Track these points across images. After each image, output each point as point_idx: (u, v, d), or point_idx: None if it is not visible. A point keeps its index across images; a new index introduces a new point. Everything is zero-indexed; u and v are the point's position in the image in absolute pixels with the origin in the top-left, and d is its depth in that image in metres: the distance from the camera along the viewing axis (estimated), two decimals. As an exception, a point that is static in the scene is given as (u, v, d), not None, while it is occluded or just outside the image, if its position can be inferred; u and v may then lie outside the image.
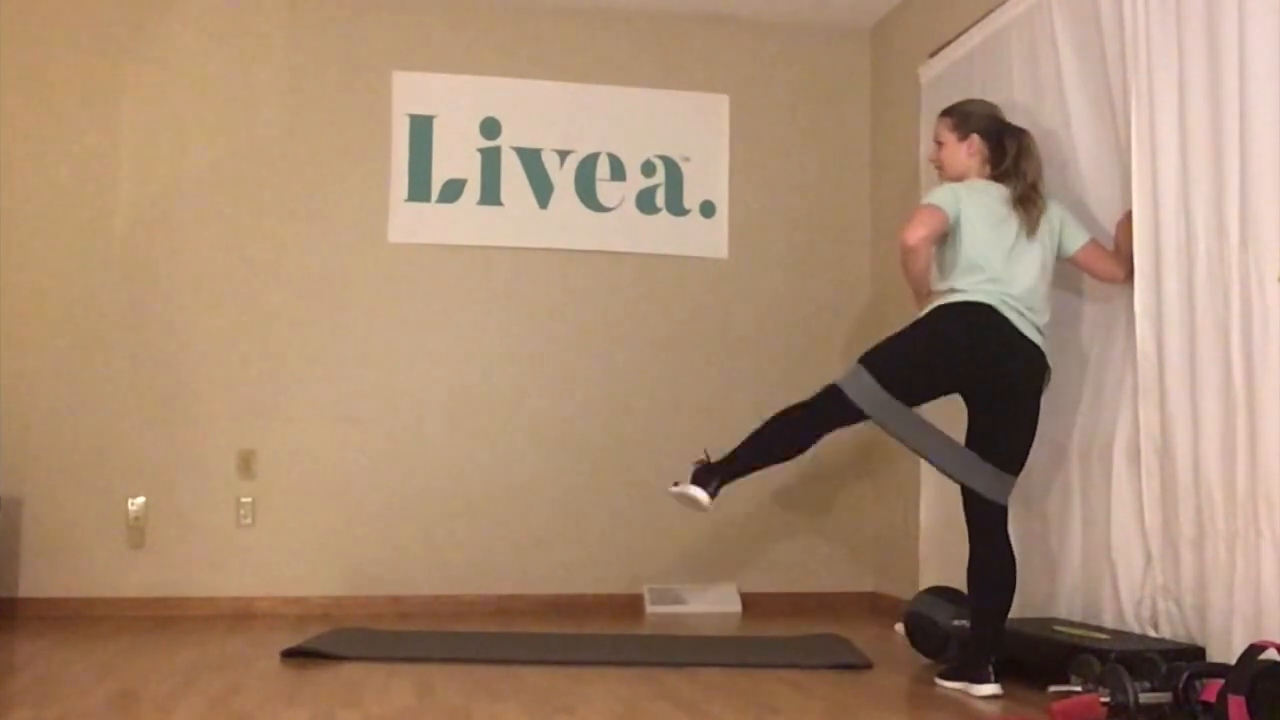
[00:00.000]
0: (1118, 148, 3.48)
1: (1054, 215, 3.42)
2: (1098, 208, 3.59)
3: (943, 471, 3.44)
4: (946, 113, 3.58)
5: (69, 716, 2.79)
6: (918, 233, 3.31)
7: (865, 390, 3.29)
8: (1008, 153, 3.45)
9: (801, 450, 3.41)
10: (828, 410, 3.36)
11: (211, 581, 4.81)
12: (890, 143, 5.25)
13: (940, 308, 3.34)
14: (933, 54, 4.68)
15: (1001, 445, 3.31)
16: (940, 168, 3.55)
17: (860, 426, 5.09)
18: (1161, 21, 3.23)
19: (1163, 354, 3.20)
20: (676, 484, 3.44)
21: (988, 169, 3.47)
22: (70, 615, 4.65)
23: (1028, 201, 3.38)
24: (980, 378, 3.29)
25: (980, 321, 3.27)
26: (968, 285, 3.31)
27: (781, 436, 3.40)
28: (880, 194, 5.36)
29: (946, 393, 3.40)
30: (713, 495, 3.39)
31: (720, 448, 3.49)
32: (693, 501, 3.40)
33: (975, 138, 3.49)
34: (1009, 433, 3.31)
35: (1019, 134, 3.49)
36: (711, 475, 3.43)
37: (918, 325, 3.37)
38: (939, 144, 3.55)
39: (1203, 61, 3.09)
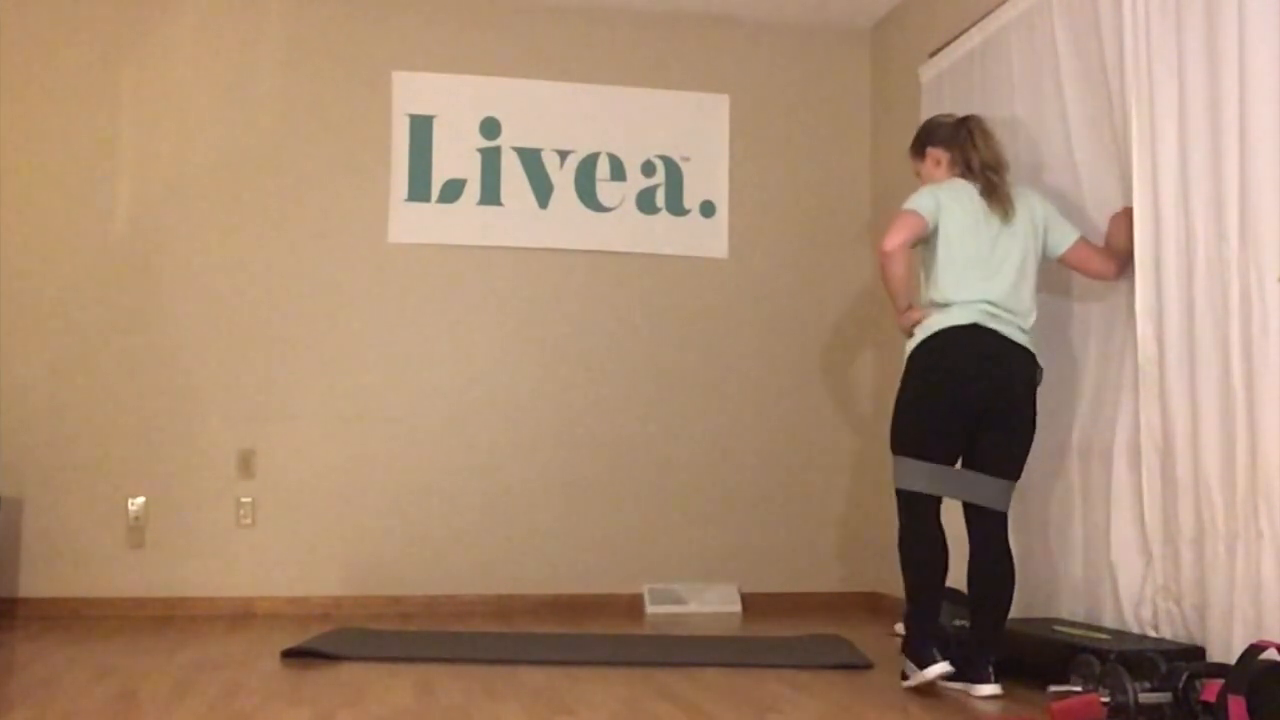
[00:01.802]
0: (1117, 148, 3.48)
1: (1038, 212, 3.41)
2: (1097, 207, 3.58)
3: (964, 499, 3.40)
4: (909, 151, 3.65)
5: (69, 716, 2.79)
6: (895, 239, 3.32)
7: (913, 474, 3.30)
8: (961, 141, 3.46)
9: (933, 555, 3.30)
10: (910, 513, 3.33)
11: (211, 581, 4.81)
12: (890, 143, 5.25)
13: (914, 353, 3.34)
14: (933, 54, 4.68)
15: (1002, 455, 3.31)
16: None
17: (851, 430, 5.09)
18: (1161, 22, 3.22)
19: (1163, 354, 3.20)
20: (906, 677, 3.28)
21: (958, 169, 3.47)
22: (70, 615, 4.65)
23: (991, 188, 3.37)
24: (979, 401, 3.28)
25: (959, 349, 3.27)
26: (946, 297, 3.31)
27: (912, 564, 3.33)
28: (880, 194, 5.36)
29: (967, 423, 3.30)
30: (939, 660, 3.20)
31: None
32: (940, 678, 3.21)
33: (930, 149, 3.55)
34: (1009, 442, 3.30)
35: (964, 120, 3.51)
36: (919, 645, 3.25)
37: (905, 383, 3.35)
38: (919, 176, 3.58)
39: (1202, 61, 3.09)
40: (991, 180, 3.38)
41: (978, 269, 3.30)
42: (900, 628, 4.09)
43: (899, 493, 3.36)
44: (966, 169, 3.43)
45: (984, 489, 3.29)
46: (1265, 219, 2.88)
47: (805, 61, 5.45)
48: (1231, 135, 2.98)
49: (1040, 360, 3.36)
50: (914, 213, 3.35)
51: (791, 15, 5.34)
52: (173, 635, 4.19)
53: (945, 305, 3.32)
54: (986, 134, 3.45)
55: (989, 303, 3.28)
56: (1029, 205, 3.40)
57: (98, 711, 2.85)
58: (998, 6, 4.17)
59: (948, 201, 3.35)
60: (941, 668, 3.18)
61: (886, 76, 5.32)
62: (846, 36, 5.49)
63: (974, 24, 4.33)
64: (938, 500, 3.33)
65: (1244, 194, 2.94)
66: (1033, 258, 3.37)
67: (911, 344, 3.36)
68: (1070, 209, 3.58)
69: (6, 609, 4.64)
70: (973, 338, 3.26)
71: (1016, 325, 3.30)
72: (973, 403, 3.27)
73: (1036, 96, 3.89)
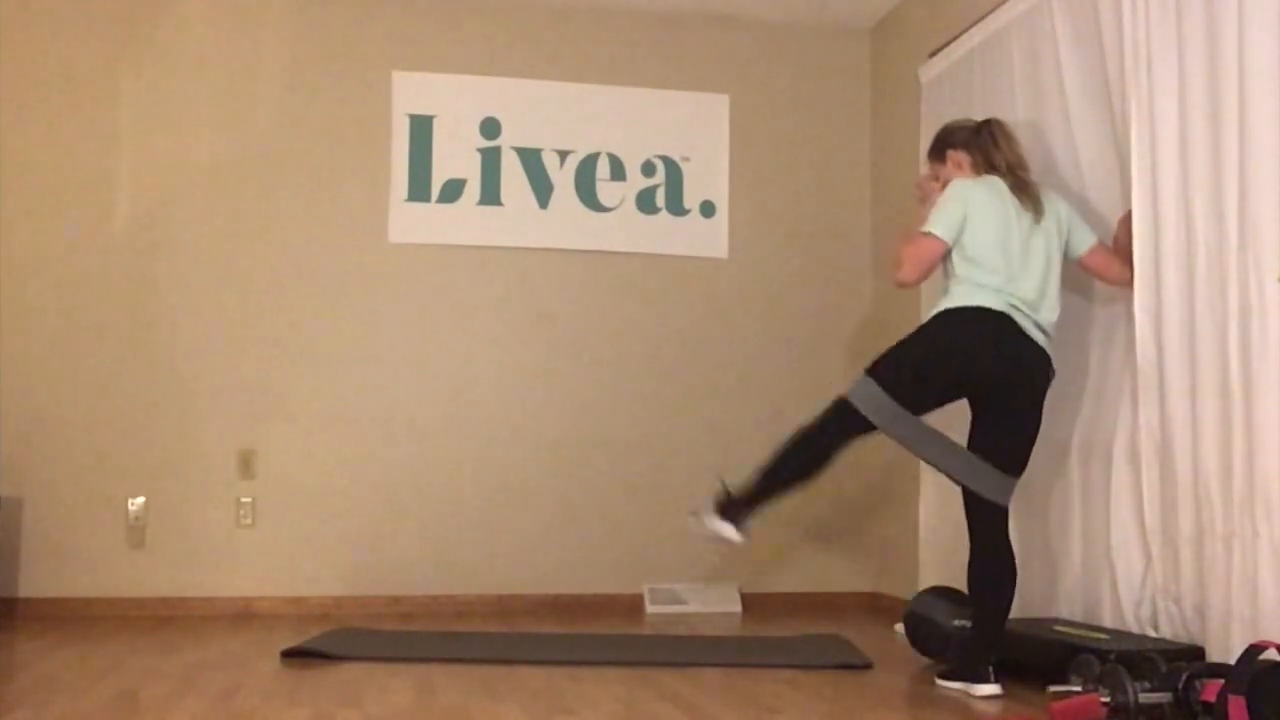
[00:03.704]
0: (1118, 148, 3.48)
1: (1062, 212, 3.40)
2: (1098, 207, 3.59)
3: (946, 475, 3.44)
4: (929, 155, 3.64)
5: (69, 716, 2.79)
6: (912, 272, 3.34)
7: (872, 401, 3.28)
8: (984, 143, 3.46)
9: (820, 467, 3.37)
10: (838, 424, 3.34)
11: (211, 581, 4.81)
12: (890, 143, 5.25)
13: (944, 313, 3.31)
14: (933, 54, 4.68)
15: (1005, 447, 3.30)
16: None
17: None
18: (1161, 21, 3.23)
19: (1162, 354, 3.20)
20: (695, 514, 3.35)
21: (980, 171, 3.47)
22: (70, 615, 4.65)
23: (1020, 186, 3.37)
24: (985, 384, 3.28)
25: (985, 328, 3.25)
26: (975, 283, 3.30)
27: (798, 457, 3.36)
28: (880, 194, 5.36)
29: (954, 399, 3.37)
30: (742, 530, 3.30)
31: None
32: (722, 539, 3.32)
33: (951, 152, 3.53)
34: (1012, 435, 3.30)
35: (986, 123, 3.51)
36: (736, 508, 3.35)
37: (923, 332, 3.34)
38: (941, 181, 3.55)
39: (1203, 61, 3.09)
40: (1021, 178, 3.38)
41: (1007, 265, 3.28)
42: (899, 627, 4.09)
43: (843, 402, 3.32)
44: (990, 169, 3.42)
45: (988, 479, 3.28)
46: (1265, 219, 2.88)
47: (805, 61, 5.45)
48: (1231, 135, 2.98)
49: (1054, 363, 3.36)
50: (933, 237, 3.32)
51: (791, 15, 5.34)
52: (173, 635, 4.19)
53: (975, 287, 3.29)
54: (1008, 135, 3.45)
55: (1017, 297, 3.27)
56: (1054, 206, 3.40)
57: (98, 711, 2.85)
58: (998, 6, 4.17)
59: (978, 201, 3.32)
60: (730, 531, 3.30)
61: (886, 76, 5.32)
62: (846, 36, 5.49)
63: (974, 24, 4.33)
64: (864, 434, 3.31)
65: (1244, 194, 2.94)
66: (1058, 257, 3.37)
67: (944, 304, 3.33)
68: (1076, 209, 3.58)
69: (6, 609, 4.64)
70: (999, 323, 3.25)
71: (1038, 324, 3.29)
72: (976, 384, 3.27)
73: (1037, 96, 3.89)
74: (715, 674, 3.48)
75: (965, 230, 3.32)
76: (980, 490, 3.29)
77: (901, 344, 3.36)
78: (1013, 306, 3.26)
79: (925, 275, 3.37)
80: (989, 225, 3.31)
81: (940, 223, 3.33)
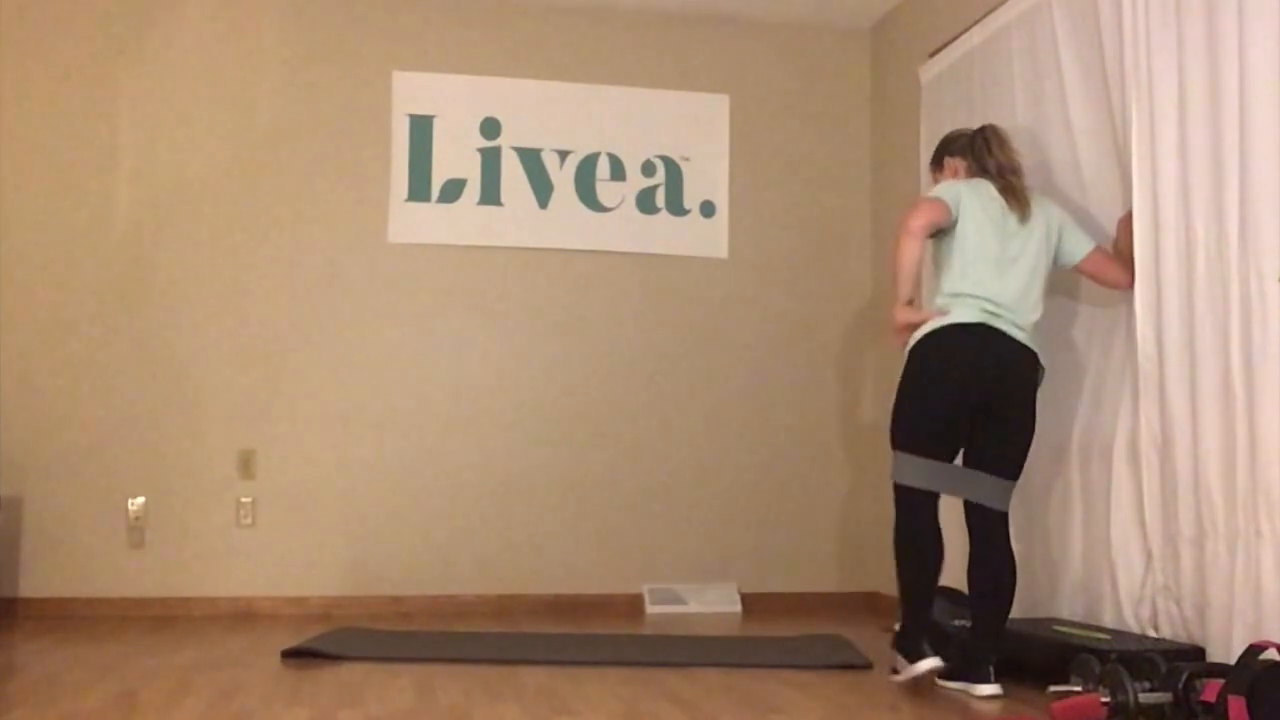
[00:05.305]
0: (1118, 148, 3.48)
1: (1053, 217, 3.41)
2: (1098, 208, 3.59)
3: (963, 496, 3.41)
4: (930, 165, 3.68)
5: (69, 716, 2.79)
6: (919, 219, 3.31)
7: (912, 469, 3.29)
8: (977, 148, 3.48)
9: (930, 553, 3.30)
10: (909, 508, 3.31)
11: (211, 581, 4.81)
12: (890, 143, 5.25)
13: (917, 347, 3.33)
14: (933, 54, 4.68)
15: (1002, 454, 3.31)
16: None
17: (851, 431, 5.09)
18: (1161, 21, 3.23)
19: (1163, 354, 3.20)
20: (896, 672, 3.28)
21: (975, 175, 3.48)
22: (70, 615, 4.65)
23: (1010, 189, 3.39)
24: (979, 397, 3.28)
25: (960, 347, 3.26)
26: (955, 292, 3.31)
27: (908, 560, 3.32)
28: (880, 194, 5.36)
29: (968, 420, 3.32)
30: (933, 653, 3.20)
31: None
32: (927, 672, 3.22)
33: (949, 160, 3.58)
34: (1008, 440, 3.30)
35: (981, 130, 3.53)
36: (910, 640, 3.26)
37: (906, 379, 3.34)
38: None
39: (1203, 61, 3.09)
40: (1010, 181, 3.40)
41: (990, 265, 3.30)
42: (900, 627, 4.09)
43: (896, 487, 3.35)
44: (983, 173, 3.45)
45: (983, 487, 3.30)
46: (1265, 219, 2.88)
47: (805, 61, 5.45)
48: (1231, 135, 2.98)
49: (1043, 360, 3.36)
50: (939, 200, 3.36)
51: (791, 15, 5.34)
52: (173, 635, 4.19)
53: (953, 297, 3.31)
54: (1002, 140, 3.47)
55: (995, 301, 3.28)
56: (1045, 211, 3.41)
57: (98, 711, 2.85)
58: (998, 6, 4.17)
59: (968, 196, 3.36)
60: (932, 662, 3.18)
61: (886, 76, 5.32)
62: (846, 36, 5.49)
63: (974, 24, 4.33)
64: (935, 496, 3.32)
65: (1244, 195, 2.94)
66: (1044, 261, 3.38)
67: (914, 339, 3.36)
68: (1075, 210, 3.58)
69: (6, 609, 4.64)
70: (975, 336, 3.27)
71: (1019, 325, 3.30)
72: (972, 400, 3.28)
73: (1037, 96, 3.89)
74: (715, 674, 3.48)
75: (959, 221, 3.33)
76: (979, 499, 3.30)
77: (897, 403, 3.37)
78: (988, 313, 3.27)
79: (928, 227, 3.32)
80: (972, 224, 3.33)
81: (941, 190, 3.38)
